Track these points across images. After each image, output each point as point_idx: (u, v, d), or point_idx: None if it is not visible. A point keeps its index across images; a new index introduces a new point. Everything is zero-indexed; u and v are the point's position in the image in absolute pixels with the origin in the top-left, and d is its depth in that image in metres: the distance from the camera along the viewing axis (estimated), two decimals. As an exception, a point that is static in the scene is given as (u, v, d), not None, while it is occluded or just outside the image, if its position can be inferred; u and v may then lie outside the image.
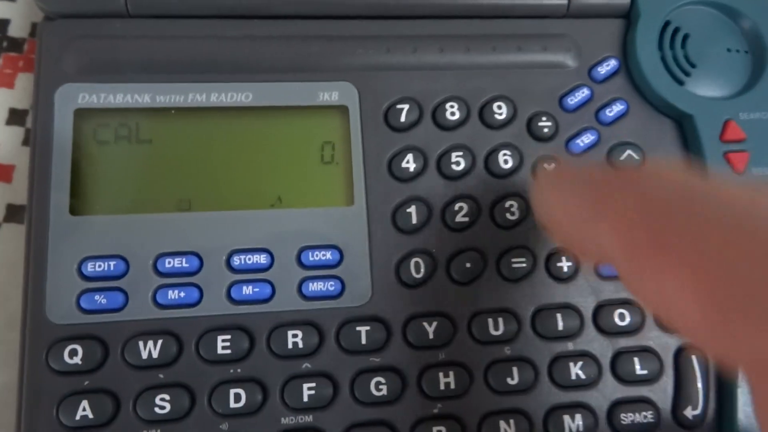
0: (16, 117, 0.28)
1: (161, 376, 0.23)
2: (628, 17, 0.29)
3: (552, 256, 0.26)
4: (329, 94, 0.27)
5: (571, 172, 0.20)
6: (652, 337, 0.26)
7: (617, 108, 0.28)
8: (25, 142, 0.28)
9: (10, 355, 0.25)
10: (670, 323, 0.15)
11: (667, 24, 0.29)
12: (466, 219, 0.26)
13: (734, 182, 0.16)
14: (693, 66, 0.28)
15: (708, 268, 0.14)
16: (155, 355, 0.23)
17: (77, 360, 0.23)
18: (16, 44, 0.29)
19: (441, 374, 0.24)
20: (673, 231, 0.14)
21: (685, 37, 0.28)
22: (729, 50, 0.28)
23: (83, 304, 0.23)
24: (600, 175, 0.18)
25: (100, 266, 0.24)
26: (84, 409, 0.22)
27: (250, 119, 0.26)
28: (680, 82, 0.28)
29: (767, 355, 0.12)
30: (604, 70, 0.28)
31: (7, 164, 0.28)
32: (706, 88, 0.28)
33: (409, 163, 0.26)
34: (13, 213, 0.27)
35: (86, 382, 0.23)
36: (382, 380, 0.24)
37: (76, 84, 0.25)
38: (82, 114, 0.25)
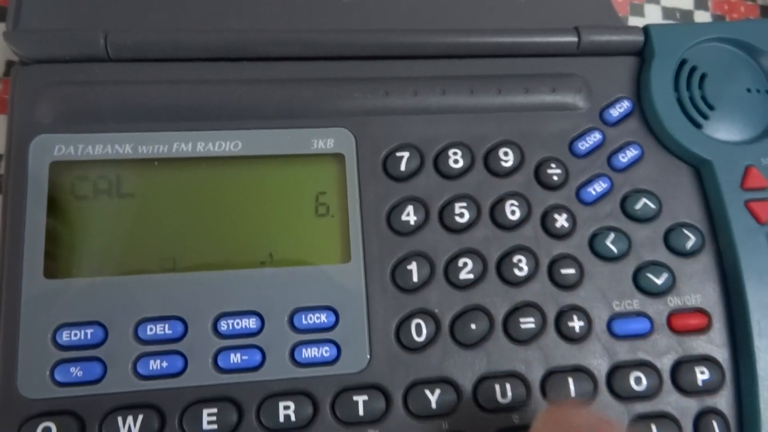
0: (-9, 163, 0.26)
1: (142, 454, 0.21)
2: (642, 55, 0.27)
3: (562, 315, 0.24)
4: (324, 141, 0.25)
5: None
6: (670, 401, 0.24)
7: (631, 153, 0.26)
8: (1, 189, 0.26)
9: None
10: None
11: (683, 62, 0.27)
12: (471, 276, 0.24)
13: None
14: (711, 108, 0.26)
15: None
16: (135, 431, 0.21)
17: (51, 439, 0.21)
18: (-10, 84, 0.27)
19: (445, 447, 0.22)
20: None
21: (703, 77, 0.27)
22: (749, 90, 0.27)
23: (58, 377, 0.21)
24: None
25: (76, 334, 0.22)
26: (58, 494, 0.20)
27: (240, 170, 0.24)
28: (698, 125, 0.26)
29: None
30: (616, 112, 0.27)
31: (-19, 214, 0.26)
32: (725, 131, 0.26)
33: (410, 215, 0.24)
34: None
35: (61, 463, 0.21)
36: (382, 454, 0.22)
37: (52, 135, 0.23)
38: (58, 167, 0.23)
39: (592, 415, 0.20)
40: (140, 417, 0.21)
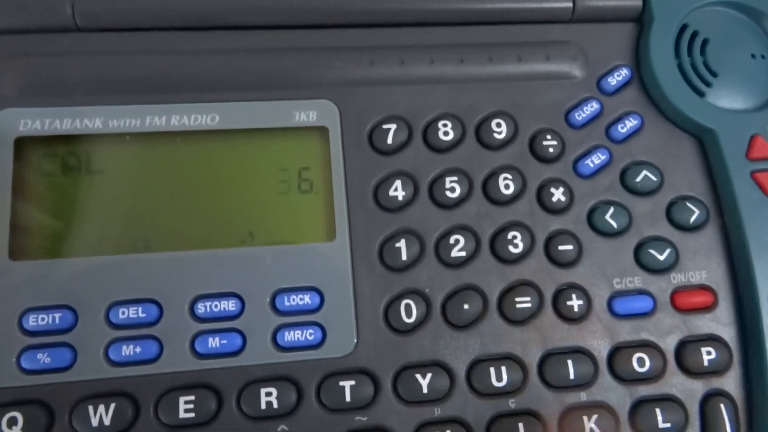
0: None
1: (115, 446, 0.20)
2: (641, 21, 0.26)
3: (560, 294, 0.23)
4: (306, 113, 0.24)
5: None
6: (675, 383, 0.23)
7: (630, 123, 0.25)
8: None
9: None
10: None
11: (684, 28, 0.26)
12: (463, 254, 0.23)
13: None
14: (714, 75, 0.25)
15: None
16: (107, 421, 0.20)
17: (17, 430, 0.20)
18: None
19: (437, 434, 0.21)
20: None
21: (705, 43, 0.25)
22: (753, 56, 0.26)
23: (24, 364, 0.20)
24: None
25: (44, 319, 0.21)
26: (24, 489, 0.19)
27: (217, 144, 0.23)
28: (700, 93, 0.25)
29: None
30: (614, 80, 0.25)
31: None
32: (729, 99, 0.25)
33: (398, 190, 0.23)
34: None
35: (28, 456, 0.20)
36: (370, 443, 0.21)
37: (18, 109, 0.22)
38: (24, 143, 0.22)
39: None
40: (113, 406, 0.20)
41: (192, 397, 0.20)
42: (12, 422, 0.20)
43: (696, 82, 0.25)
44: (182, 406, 0.20)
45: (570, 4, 0.25)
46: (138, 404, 0.20)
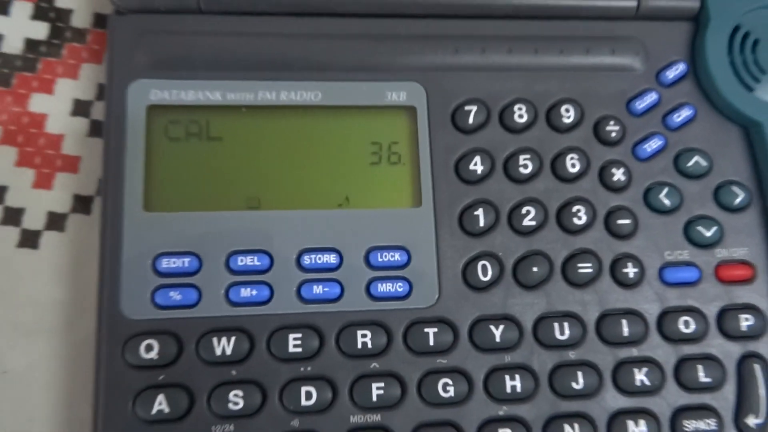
0: (80, 108, 0.28)
1: (234, 372, 0.23)
2: (698, 20, 0.29)
3: (617, 262, 0.26)
4: (397, 94, 0.26)
5: None
6: (715, 345, 0.26)
7: (685, 113, 0.27)
8: (90, 133, 0.28)
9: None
10: None
11: (737, 28, 0.28)
12: (533, 223, 0.26)
13: None
14: (763, 72, 0.28)
15: None
16: (228, 351, 0.23)
17: (153, 355, 0.23)
18: (79, 35, 0.29)
19: (507, 377, 0.24)
20: None
21: (756, 42, 0.28)
22: (800, 57, 0.28)
23: (158, 300, 0.23)
24: None
25: (174, 263, 0.24)
26: (160, 403, 0.23)
27: (319, 118, 0.26)
28: (749, 89, 0.28)
29: None
30: (672, 74, 0.28)
31: (74, 155, 0.28)
32: (775, 94, 0.28)
33: (477, 165, 0.26)
34: (81, 203, 0.27)
35: (162, 377, 0.23)
36: (449, 381, 0.24)
37: (149, 80, 0.25)
38: (154, 110, 0.25)
39: None
40: (233, 339, 0.23)
41: (299, 335, 0.24)
42: (149, 348, 0.23)
43: (746, 78, 0.28)
44: (291, 342, 0.24)
45: (635, 3, 0.28)
46: (253, 339, 0.24)
